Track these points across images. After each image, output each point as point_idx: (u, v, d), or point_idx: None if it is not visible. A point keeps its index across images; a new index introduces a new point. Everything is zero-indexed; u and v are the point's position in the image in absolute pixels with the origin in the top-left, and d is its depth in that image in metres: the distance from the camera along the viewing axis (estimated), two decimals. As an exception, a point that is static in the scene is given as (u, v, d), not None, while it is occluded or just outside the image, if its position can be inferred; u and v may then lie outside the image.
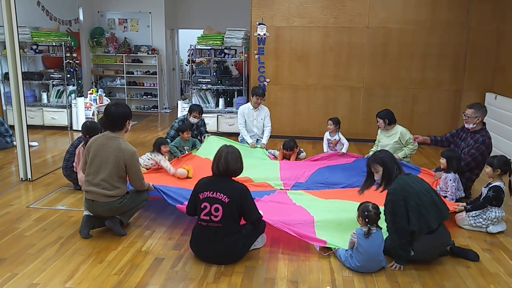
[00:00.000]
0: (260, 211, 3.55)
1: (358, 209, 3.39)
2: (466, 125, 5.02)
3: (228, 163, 3.42)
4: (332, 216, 3.95)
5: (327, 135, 6.27)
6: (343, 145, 6.13)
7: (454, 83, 7.67)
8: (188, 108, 6.45)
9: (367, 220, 3.31)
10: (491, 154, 4.74)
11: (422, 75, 7.70)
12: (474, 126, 4.95)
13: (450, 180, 4.59)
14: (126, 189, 3.89)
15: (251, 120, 6.60)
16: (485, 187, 4.19)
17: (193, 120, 6.23)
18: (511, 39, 6.84)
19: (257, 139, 6.65)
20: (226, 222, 3.34)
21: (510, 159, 4.19)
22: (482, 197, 4.16)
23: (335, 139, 6.19)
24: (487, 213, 4.10)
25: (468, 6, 7.35)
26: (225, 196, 3.33)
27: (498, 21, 7.23)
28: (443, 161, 4.69)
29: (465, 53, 7.52)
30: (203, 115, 6.53)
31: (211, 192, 3.37)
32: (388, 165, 3.45)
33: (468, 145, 4.96)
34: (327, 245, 3.61)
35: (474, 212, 4.15)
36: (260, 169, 5.35)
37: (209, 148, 5.63)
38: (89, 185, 3.79)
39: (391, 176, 3.44)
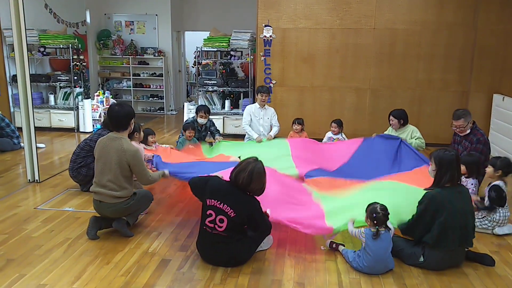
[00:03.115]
0: (268, 210, 3.51)
1: (366, 210, 3.38)
2: (461, 134, 4.99)
3: (251, 179, 3.28)
4: (346, 205, 3.92)
5: (329, 134, 6.28)
6: None
7: (461, 84, 7.63)
8: (194, 110, 6.47)
9: (375, 222, 3.30)
10: (494, 154, 4.72)
11: (429, 76, 7.66)
12: (469, 130, 4.93)
13: (472, 184, 4.45)
14: (132, 189, 3.92)
15: (257, 119, 6.60)
16: (487, 188, 4.19)
17: (200, 120, 6.24)
18: (519, 40, 6.80)
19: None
20: (231, 232, 3.31)
21: None
22: (485, 200, 4.13)
23: (337, 138, 6.18)
24: (491, 214, 4.08)
25: (475, 7, 7.31)
26: (232, 211, 3.26)
27: (506, 22, 7.18)
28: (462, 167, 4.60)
29: (472, 54, 7.48)
30: (211, 116, 6.53)
31: (219, 202, 3.30)
32: (442, 169, 3.36)
33: (465, 148, 4.93)
34: (333, 231, 3.59)
35: (480, 213, 4.13)
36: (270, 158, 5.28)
37: (217, 149, 5.64)
38: (96, 186, 3.83)
39: (440, 181, 3.38)
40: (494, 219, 4.07)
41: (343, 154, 5.42)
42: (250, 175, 3.28)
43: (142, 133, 4.84)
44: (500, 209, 4.06)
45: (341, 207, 3.90)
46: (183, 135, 6.07)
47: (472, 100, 7.41)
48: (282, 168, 4.92)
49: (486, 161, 4.71)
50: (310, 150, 5.63)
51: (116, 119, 3.84)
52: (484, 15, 7.28)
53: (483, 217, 4.13)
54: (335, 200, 4.13)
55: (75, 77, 8.73)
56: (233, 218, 3.27)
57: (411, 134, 5.63)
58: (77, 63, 8.78)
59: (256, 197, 3.40)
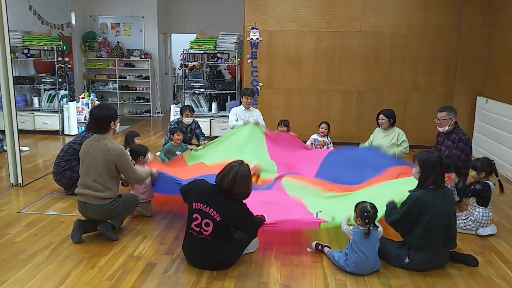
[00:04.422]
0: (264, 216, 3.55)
1: (355, 210, 3.39)
2: (440, 129, 5.08)
3: (234, 183, 3.27)
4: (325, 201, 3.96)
5: (315, 136, 6.28)
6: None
7: (445, 87, 7.72)
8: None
9: (366, 220, 3.31)
10: (475, 156, 4.78)
11: (414, 79, 7.75)
12: (449, 128, 5.00)
13: (452, 186, 4.46)
14: (118, 191, 3.89)
15: (243, 121, 6.58)
16: (474, 185, 4.23)
17: (186, 120, 6.18)
18: (501, 43, 6.91)
19: None
20: (217, 236, 3.30)
21: (493, 161, 4.22)
22: (470, 190, 4.19)
23: (323, 141, 6.20)
24: (474, 214, 4.14)
25: (459, 11, 7.41)
26: (218, 215, 3.25)
27: (489, 26, 7.30)
28: None
29: (456, 57, 7.58)
30: (197, 119, 6.49)
31: (205, 206, 3.28)
32: (426, 171, 3.39)
33: (447, 147, 4.99)
34: (327, 221, 3.63)
35: (463, 214, 4.18)
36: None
37: (200, 155, 5.56)
38: (81, 187, 3.80)
39: (424, 182, 3.40)
40: (477, 219, 4.12)
41: (317, 159, 5.42)
42: (234, 179, 3.27)
43: (148, 155, 4.59)
44: (482, 209, 4.11)
45: (322, 201, 3.96)
46: (169, 139, 5.97)
47: (456, 102, 7.50)
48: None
49: (467, 160, 4.78)
50: (286, 152, 5.65)
51: (95, 121, 3.84)
52: (467, 19, 7.39)
53: (467, 218, 4.18)
54: (314, 193, 4.18)
55: (60, 80, 8.63)
56: (219, 223, 3.26)
57: (397, 137, 5.66)
58: (62, 65, 8.69)
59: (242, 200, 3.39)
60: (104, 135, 3.82)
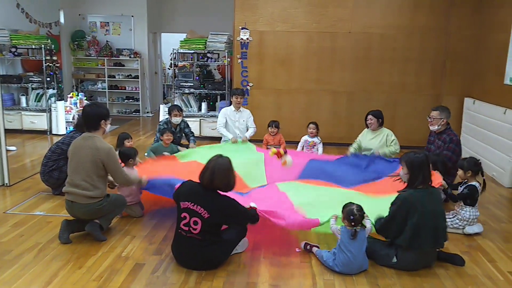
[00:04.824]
0: (254, 204, 3.55)
1: (342, 211, 3.41)
2: (431, 127, 5.13)
3: (213, 176, 3.29)
4: (312, 197, 3.98)
5: (305, 138, 6.30)
6: (317, 150, 6.18)
7: (434, 87, 7.79)
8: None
9: (353, 223, 3.33)
10: (462, 156, 4.84)
11: (403, 79, 7.80)
12: (439, 127, 5.05)
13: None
14: (105, 190, 3.88)
15: (233, 121, 6.57)
16: (461, 186, 4.29)
17: (175, 119, 6.14)
18: (489, 45, 6.99)
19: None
20: (205, 235, 3.29)
21: (479, 160, 4.28)
22: (457, 193, 4.23)
23: (313, 141, 6.22)
24: (461, 213, 4.18)
25: (447, 13, 7.48)
26: (205, 212, 3.25)
27: (476, 28, 7.37)
28: None
29: (444, 59, 7.65)
30: (186, 118, 6.46)
31: (192, 204, 3.28)
32: (414, 172, 3.42)
33: (438, 147, 5.04)
34: (320, 223, 3.60)
35: (450, 213, 4.22)
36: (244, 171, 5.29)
37: (193, 152, 5.54)
38: (69, 186, 3.79)
39: (414, 183, 3.42)
40: (464, 218, 4.16)
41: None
42: (212, 172, 3.29)
43: (137, 159, 4.60)
44: (469, 208, 4.16)
45: (310, 199, 3.98)
46: (159, 139, 5.93)
47: (444, 103, 7.54)
48: (251, 176, 4.95)
49: (457, 161, 4.82)
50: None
51: (86, 118, 3.87)
52: (455, 21, 7.46)
53: (454, 216, 4.23)
54: (301, 190, 4.20)
55: (48, 78, 8.54)
56: (207, 220, 3.25)
57: (387, 138, 5.69)
58: (50, 64, 8.60)
59: (227, 194, 3.40)
60: (93, 133, 3.81)
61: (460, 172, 4.26)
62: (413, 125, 7.77)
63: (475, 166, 4.19)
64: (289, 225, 3.65)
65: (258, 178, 5.08)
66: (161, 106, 8.60)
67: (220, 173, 3.30)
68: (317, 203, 3.94)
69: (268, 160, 5.41)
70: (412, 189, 3.42)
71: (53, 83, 8.69)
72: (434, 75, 7.74)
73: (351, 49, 7.74)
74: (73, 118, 8.24)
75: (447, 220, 4.17)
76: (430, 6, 7.50)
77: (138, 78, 10.90)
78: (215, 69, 10.01)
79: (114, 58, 10.81)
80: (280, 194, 4.20)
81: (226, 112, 6.61)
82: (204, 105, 8.65)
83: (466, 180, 4.26)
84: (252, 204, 3.59)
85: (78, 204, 3.75)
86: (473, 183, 4.19)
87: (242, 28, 7.80)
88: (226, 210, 3.33)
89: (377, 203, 3.77)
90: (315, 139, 6.24)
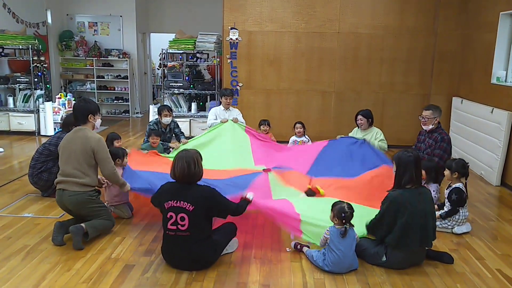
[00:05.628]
0: (250, 195, 3.58)
1: (332, 209, 3.42)
2: (424, 127, 5.14)
3: (184, 169, 3.32)
4: (318, 215, 3.99)
5: (293, 138, 6.31)
6: None
7: (422, 87, 7.85)
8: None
9: (344, 221, 3.35)
10: (453, 156, 4.88)
11: (391, 79, 7.86)
12: (432, 126, 5.08)
13: (434, 191, 4.55)
14: (96, 180, 3.95)
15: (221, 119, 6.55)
16: (446, 189, 4.32)
17: (165, 119, 6.11)
18: (476, 45, 7.06)
19: None
20: (194, 230, 3.29)
21: (468, 163, 4.31)
22: (447, 202, 4.25)
23: (301, 140, 6.24)
24: (455, 216, 4.21)
25: (435, 13, 7.55)
26: (189, 204, 3.26)
27: (463, 28, 7.45)
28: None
29: (432, 58, 7.72)
30: (176, 119, 6.42)
31: (175, 201, 3.30)
32: (400, 169, 3.44)
33: (428, 145, 5.06)
34: (301, 236, 3.67)
35: (441, 213, 4.26)
36: (231, 156, 5.36)
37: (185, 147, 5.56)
38: (60, 176, 3.85)
39: (400, 181, 3.44)
40: (454, 218, 4.20)
41: (308, 156, 5.47)
42: (182, 165, 3.32)
43: (126, 159, 4.57)
44: (459, 208, 4.19)
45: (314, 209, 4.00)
46: (147, 141, 5.91)
47: (432, 102, 7.59)
48: (240, 163, 5.07)
49: (448, 160, 4.86)
50: (271, 149, 5.72)
51: (74, 112, 3.99)
52: (443, 21, 7.53)
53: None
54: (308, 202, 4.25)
55: (36, 79, 8.46)
56: (193, 212, 3.26)
57: (375, 136, 5.75)
58: (38, 65, 8.52)
59: (209, 185, 3.46)
60: (82, 126, 3.90)
61: (447, 172, 4.28)
62: (401, 124, 7.83)
63: (462, 168, 4.22)
64: (276, 213, 3.75)
65: (246, 161, 5.24)
66: (151, 107, 8.56)
67: (187, 163, 3.32)
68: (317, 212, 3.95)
69: (255, 142, 5.63)
70: (401, 189, 3.44)
71: (40, 83, 8.61)
72: (422, 75, 7.81)
73: (339, 49, 7.77)
74: (61, 119, 8.16)
75: (437, 219, 4.22)
76: (417, 6, 7.56)
77: (127, 79, 10.84)
78: (204, 69, 10.00)
79: (102, 58, 10.74)
80: (287, 203, 4.21)
81: (216, 112, 6.61)
82: (194, 105, 8.63)
83: (449, 184, 4.29)
84: (249, 195, 3.59)
85: (68, 192, 3.76)
86: (457, 184, 4.22)
87: (231, 28, 7.79)
88: (209, 198, 3.34)
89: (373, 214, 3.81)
90: (303, 138, 6.26)
